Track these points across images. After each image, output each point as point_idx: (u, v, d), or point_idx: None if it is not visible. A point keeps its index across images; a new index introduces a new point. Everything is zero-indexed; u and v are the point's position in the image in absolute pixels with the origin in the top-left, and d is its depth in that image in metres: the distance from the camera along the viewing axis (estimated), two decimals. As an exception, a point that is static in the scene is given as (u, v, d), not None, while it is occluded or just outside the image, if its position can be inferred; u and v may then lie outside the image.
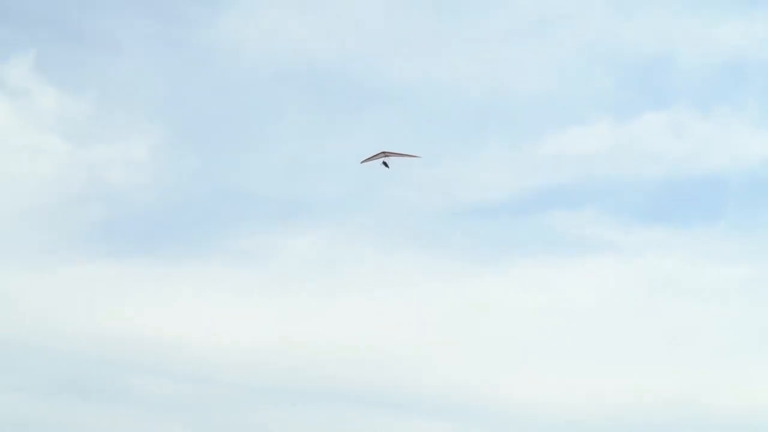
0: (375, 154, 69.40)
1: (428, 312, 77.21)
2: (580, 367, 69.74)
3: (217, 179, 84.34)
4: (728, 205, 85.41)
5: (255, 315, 73.44)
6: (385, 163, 69.36)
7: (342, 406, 70.62)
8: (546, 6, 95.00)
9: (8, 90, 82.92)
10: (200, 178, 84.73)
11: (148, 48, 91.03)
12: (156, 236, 78.14)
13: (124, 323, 71.17)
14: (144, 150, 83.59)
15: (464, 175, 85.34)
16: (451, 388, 70.60)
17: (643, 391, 68.64)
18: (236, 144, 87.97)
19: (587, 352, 71.84)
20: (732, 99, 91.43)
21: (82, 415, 68.36)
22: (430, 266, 79.29)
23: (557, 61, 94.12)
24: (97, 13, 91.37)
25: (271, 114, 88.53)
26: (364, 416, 68.57)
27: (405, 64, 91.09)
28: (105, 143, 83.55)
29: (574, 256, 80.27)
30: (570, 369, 69.84)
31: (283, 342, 71.97)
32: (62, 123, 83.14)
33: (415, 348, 74.62)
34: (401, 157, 69.39)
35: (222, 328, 72.46)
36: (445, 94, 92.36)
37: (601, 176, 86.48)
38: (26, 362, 70.48)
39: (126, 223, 79.01)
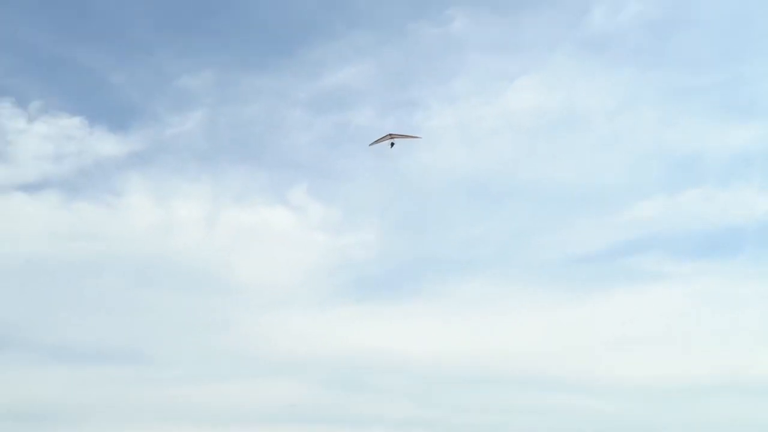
0: (382, 137, 78.23)
1: (552, 326, 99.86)
2: (658, 357, 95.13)
3: (417, 251, 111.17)
4: (745, 246, 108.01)
5: (447, 332, 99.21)
6: (392, 144, 78.46)
7: (505, 387, 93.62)
8: (616, 123, 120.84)
9: (291, 206, 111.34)
10: (406, 251, 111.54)
11: (370, 175, 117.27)
12: (383, 288, 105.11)
13: (368, 341, 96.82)
14: (373, 237, 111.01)
15: (572, 236, 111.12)
16: (569, 375, 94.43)
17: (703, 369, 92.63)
18: (427, 229, 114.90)
19: (664, 346, 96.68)
20: (742, 176, 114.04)
21: (345, 399, 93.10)
22: (552, 297, 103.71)
23: (627, 158, 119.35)
24: (340, 158, 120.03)
25: (448, 208, 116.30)
26: (517, 393, 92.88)
27: (531, 169, 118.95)
28: (349, 235, 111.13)
29: (648, 284, 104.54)
30: (651, 359, 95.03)
31: (465, 348, 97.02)
32: (323, 224, 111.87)
33: (545, 350, 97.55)
34: (406, 139, 78.38)
35: (427, 342, 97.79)
36: (559, 186, 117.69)
37: (661, 231, 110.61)
38: (316, 367, 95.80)
39: (364, 281, 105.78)
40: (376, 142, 78.95)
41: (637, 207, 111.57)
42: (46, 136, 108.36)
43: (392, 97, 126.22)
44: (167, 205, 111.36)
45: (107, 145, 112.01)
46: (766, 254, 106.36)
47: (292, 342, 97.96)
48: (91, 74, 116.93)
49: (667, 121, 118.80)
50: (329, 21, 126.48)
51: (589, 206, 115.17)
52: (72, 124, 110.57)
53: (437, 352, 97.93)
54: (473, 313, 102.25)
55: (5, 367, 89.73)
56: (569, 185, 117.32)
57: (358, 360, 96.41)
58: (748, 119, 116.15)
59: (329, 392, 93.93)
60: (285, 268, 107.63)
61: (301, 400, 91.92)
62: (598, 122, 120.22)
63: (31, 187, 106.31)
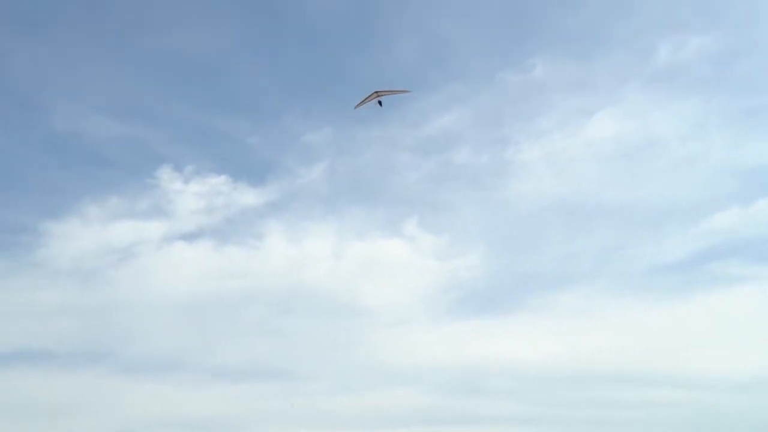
0: (367, 96, 75.61)
1: (644, 329, 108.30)
2: (742, 353, 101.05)
3: (518, 269, 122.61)
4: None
5: (549, 339, 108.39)
6: (379, 102, 76.15)
7: (604, 385, 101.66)
8: (689, 144, 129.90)
9: (405, 237, 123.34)
10: (508, 270, 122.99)
11: (472, 206, 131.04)
12: (489, 303, 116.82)
13: (479, 351, 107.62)
14: (478, 259, 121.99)
15: (657, 247, 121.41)
16: (661, 372, 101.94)
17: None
18: (526, 249, 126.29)
19: (747, 343, 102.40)
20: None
21: (462, 403, 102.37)
22: (642, 302, 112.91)
23: (701, 176, 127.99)
24: (445, 193, 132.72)
25: (542, 230, 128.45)
26: (616, 390, 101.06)
27: (615, 190, 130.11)
28: (457, 259, 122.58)
29: (729, 287, 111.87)
30: (735, 355, 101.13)
31: (566, 352, 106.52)
32: (434, 251, 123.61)
33: (639, 350, 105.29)
34: (393, 94, 75.74)
35: (531, 348, 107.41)
36: (642, 203, 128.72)
37: (738, 239, 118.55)
38: (435, 375, 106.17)
39: (473, 299, 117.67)
40: (362, 102, 77.39)
41: (715, 218, 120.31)
42: (199, 194, 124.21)
43: (486, 136, 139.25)
44: (300, 243, 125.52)
45: (248, 197, 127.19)
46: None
47: (413, 355, 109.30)
48: (232, 139, 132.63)
49: (736, 140, 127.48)
50: (428, 77, 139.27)
51: (671, 220, 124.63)
52: (219, 182, 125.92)
53: (541, 356, 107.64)
54: (571, 321, 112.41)
55: (177, 386, 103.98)
56: (651, 202, 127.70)
57: (472, 367, 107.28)
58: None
59: (448, 397, 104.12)
60: (403, 291, 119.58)
61: (424, 405, 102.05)
62: (673, 145, 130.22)
63: (189, 236, 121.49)
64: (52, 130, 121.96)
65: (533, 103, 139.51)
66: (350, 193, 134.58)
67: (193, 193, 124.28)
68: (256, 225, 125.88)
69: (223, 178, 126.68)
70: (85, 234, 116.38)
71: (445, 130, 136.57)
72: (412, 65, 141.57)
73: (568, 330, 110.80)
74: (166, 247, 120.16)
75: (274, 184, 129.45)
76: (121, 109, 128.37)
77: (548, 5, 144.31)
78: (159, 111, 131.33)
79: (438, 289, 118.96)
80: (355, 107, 76.93)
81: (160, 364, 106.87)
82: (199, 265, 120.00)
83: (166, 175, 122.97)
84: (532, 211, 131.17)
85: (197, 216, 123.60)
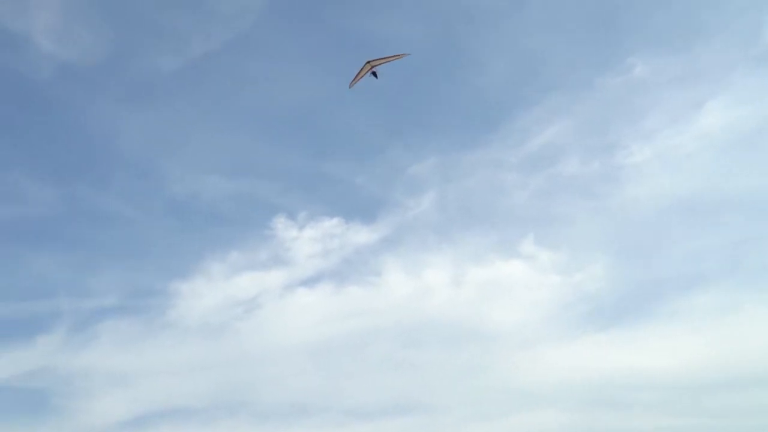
0: (360, 69, 69.78)
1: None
2: None
3: (644, 275, 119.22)
4: None
5: (685, 344, 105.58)
6: (374, 74, 70.58)
7: (749, 389, 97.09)
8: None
9: (523, 256, 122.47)
10: (633, 277, 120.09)
11: (587, 217, 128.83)
12: (618, 313, 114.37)
13: (613, 363, 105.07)
14: (600, 270, 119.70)
15: None
16: None
17: None
18: (649, 254, 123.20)
19: None
20: None
21: (602, 418, 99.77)
22: None
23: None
24: (557, 206, 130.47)
25: (664, 232, 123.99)
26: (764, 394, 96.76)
27: (736, 180, 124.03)
28: (578, 272, 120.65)
29: None
30: None
31: (706, 357, 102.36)
32: (554, 267, 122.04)
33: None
34: (390, 61, 69.47)
35: (668, 356, 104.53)
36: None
37: None
38: (570, 393, 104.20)
39: (600, 311, 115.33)
40: (356, 79, 71.50)
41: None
42: (314, 238, 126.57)
43: (593, 144, 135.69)
44: (418, 275, 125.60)
45: (362, 235, 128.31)
46: None
47: (546, 374, 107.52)
48: (339, 181, 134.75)
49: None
50: (525, 93, 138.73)
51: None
52: (332, 224, 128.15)
53: (681, 364, 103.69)
54: (710, 323, 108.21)
55: (312, 429, 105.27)
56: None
57: (609, 381, 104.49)
58: None
59: (588, 414, 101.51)
60: (527, 310, 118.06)
61: (564, 424, 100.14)
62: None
63: (309, 281, 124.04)
64: (171, 194, 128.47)
65: (637, 104, 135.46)
66: (462, 219, 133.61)
67: (308, 239, 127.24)
68: (372, 262, 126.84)
69: (335, 220, 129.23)
70: (210, 290, 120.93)
71: (550, 143, 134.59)
72: (507, 83, 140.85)
73: (708, 333, 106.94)
74: (288, 295, 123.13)
75: (386, 219, 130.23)
76: (232, 167, 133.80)
77: (637, 2, 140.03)
78: (267, 163, 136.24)
79: (563, 304, 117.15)
80: (350, 85, 70.86)
81: (294, 408, 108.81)
82: (322, 308, 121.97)
83: (280, 224, 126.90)
84: (651, 213, 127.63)
85: (315, 260, 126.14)
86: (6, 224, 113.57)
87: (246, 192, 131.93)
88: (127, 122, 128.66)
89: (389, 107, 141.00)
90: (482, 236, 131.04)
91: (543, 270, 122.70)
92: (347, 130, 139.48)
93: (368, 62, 69.78)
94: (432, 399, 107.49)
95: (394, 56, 69.20)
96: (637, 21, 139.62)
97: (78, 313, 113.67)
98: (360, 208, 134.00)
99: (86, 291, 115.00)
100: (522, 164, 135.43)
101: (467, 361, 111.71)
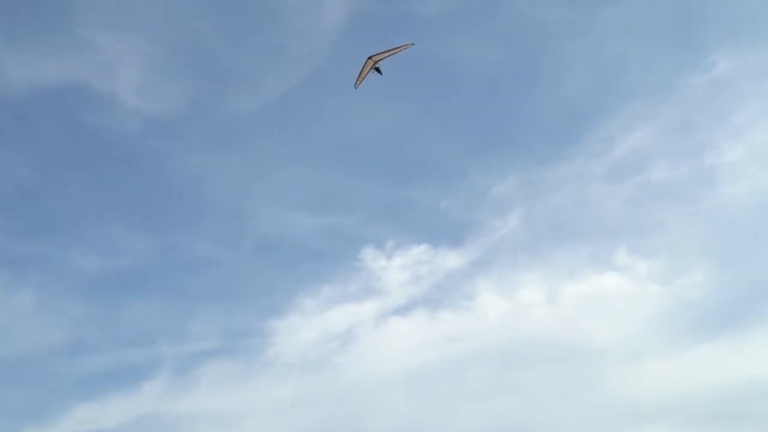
0: (362, 67, 65.23)
1: None
2: None
3: (750, 276, 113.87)
4: None
5: None
6: (377, 70, 66.15)
7: None
8: None
9: (618, 268, 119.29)
10: (739, 280, 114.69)
11: (682, 221, 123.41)
12: (725, 319, 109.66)
13: (727, 372, 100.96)
14: (701, 276, 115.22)
15: None
16: None
17: None
18: (754, 254, 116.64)
19: None
20: None
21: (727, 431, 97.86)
22: None
23: None
24: (648, 214, 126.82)
25: (764, 230, 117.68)
26: None
27: None
28: (678, 280, 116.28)
29: None
30: None
31: None
32: (651, 276, 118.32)
33: None
34: (394, 53, 64.73)
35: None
36: None
37: None
38: (681, 406, 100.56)
39: (705, 318, 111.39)
40: (360, 78, 67.05)
41: None
42: (404, 266, 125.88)
43: (680, 147, 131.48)
44: (511, 296, 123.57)
45: (451, 260, 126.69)
46: None
47: (657, 388, 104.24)
48: (424, 207, 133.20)
49: None
50: (605, 101, 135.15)
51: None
52: (420, 251, 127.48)
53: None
54: None
55: None
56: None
57: (725, 391, 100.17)
58: None
59: (706, 428, 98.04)
60: (629, 323, 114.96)
61: None
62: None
63: (402, 310, 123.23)
64: (259, 234, 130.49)
65: (724, 101, 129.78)
66: (551, 235, 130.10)
67: (398, 267, 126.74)
68: (464, 286, 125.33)
69: (423, 246, 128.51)
70: (306, 326, 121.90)
71: (635, 150, 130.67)
72: (586, 93, 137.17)
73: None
74: (382, 325, 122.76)
75: (474, 242, 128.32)
76: (316, 202, 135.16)
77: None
78: (350, 195, 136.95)
79: (666, 314, 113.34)
80: (356, 86, 66.49)
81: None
82: (418, 335, 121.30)
83: (369, 255, 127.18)
84: (749, 212, 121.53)
85: (406, 288, 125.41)
86: (106, 276, 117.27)
87: (332, 226, 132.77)
88: (212, 167, 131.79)
89: (468, 130, 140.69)
90: (574, 251, 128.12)
91: (640, 280, 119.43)
92: (427, 155, 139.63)
93: (370, 58, 65.02)
94: (538, 420, 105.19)
95: (396, 48, 65.11)
96: (716, 16, 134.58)
97: (179, 358, 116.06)
98: (446, 233, 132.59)
99: (186, 335, 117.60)
100: (608, 174, 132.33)
101: (571, 380, 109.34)
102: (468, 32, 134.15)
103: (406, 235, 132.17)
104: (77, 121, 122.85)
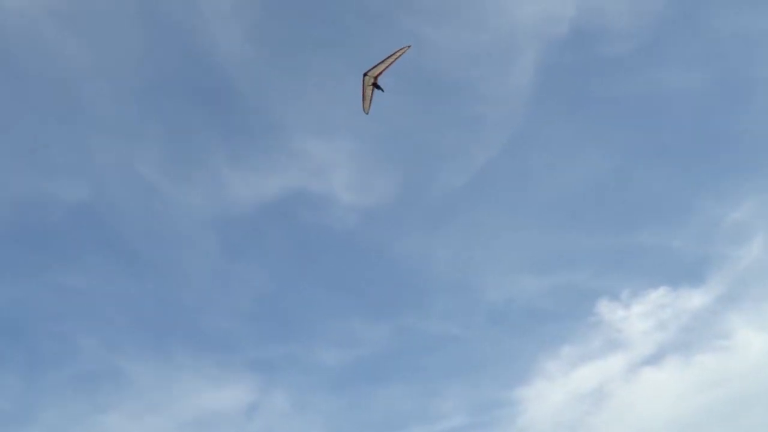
0: (362, 89, 58.03)
1: None
2: None
3: None
4: None
5: None
6: (378, 87, 59.42)
7: None
8: None
9: None
10: None
11: None
12: None
13: None
14: None
15: None
16: None
17: None
18: None
19: None
20: None
21: None
22: None
23: None
24: None
25: None
26: None
27: None
28: None
29: None
30: None
31: None
32: None
33: None
34: (390, 65, 56.98)
35: None
36: None
37: None
38: None
39: None
40: (365, 100, 60.00)
41: None
42: (644, 314, 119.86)
43: None
44: None
45: (695, 300, 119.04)
46: None
47: None
48: (655, 249, 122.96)
49: None
50: None
51: None
52: (659, 295, 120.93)
53: None
54: None
55: None
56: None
57: None
58: None
59: None
60: None
61: None
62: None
63: (652, 359, 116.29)
64: (489, 303, 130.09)
65: None
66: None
67: (638, 315, 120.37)
68: (716, 324, 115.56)
69: (661, 289, 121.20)
70: (552, 390, 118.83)
71: None
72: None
73: None
74: (633, 378, 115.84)
75: (716, 276, 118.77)
76: (540, 262, 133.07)
77: None
78: (574, 249, 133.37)
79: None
80: (366, 111, 60.94)
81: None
82: (675, 383, 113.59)
83: (604, 307, 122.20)
84: None
85: (652, 336, 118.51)
86: (350, 367, 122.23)
87: (561, 283, 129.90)
88: (432, 246, 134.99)
89: (685, 160, 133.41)
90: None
91: None
92: (647, 194, 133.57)
93: (365, 75, 58.50)
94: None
95: (393, 56, 57.12)
96: None
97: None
98: (684, 272, 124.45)
99: (434, 415, 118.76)
100: None
101: None
102: (665, 62, 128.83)
103: (640, 281, 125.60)
104: (300, 225, 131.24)
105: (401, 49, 56.12)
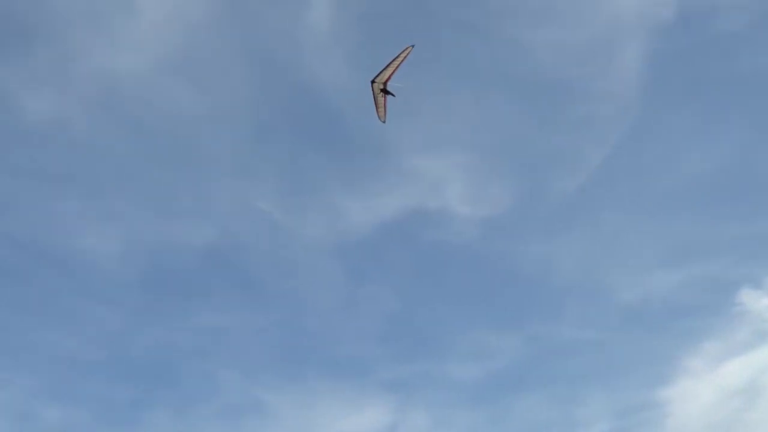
0: (374, 98, 55.19)
1: None
2: None
3: None
4: None
5: None
6: (389, 93, 56.24)
7: None
8: None
9: None
10: None
11: None
12: None
13: None
14: None
15: None
16: None
17: None
18: None
19: None
20: None
21: None
22: None
23: None
24: None
25: None
26: None
27: None
28: None
29: None
30: None
31: None
32: None
33: None
34: (397, 68, 53.86)
35: None
36: None
37: None
38: None
39: None
40: (378, 108, 56.75)
41: None
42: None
43: None
44: None
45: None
46: None
47: None
48: None
49: None
50: None
51: None
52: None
53: None
54: None
55: None
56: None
57: None
58: None
59: None
60: None
61: None
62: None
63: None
64: (623, 303, 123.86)
65: None
66: None
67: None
68: None
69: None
70: (699, 388, 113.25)
71: None
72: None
73: None
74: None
75: None
76: (672, 255, 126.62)
77: None
78: (707, 240, 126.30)
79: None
80: (382, 120, 57.74)
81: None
82: None
83: (748, 297, 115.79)
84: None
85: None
86: (485, 380, 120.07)
87: (697, 276, 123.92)
88: (556, 251, 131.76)
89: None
90: None
91: None
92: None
93: (373, 82, 55.66)
94: None
95: (396, 60, 54.29)
96: None
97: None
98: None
99: (576, 422, 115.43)
100: None
101: None
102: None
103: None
104: (420, 243, 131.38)
105: (405, 51, 53.87)
